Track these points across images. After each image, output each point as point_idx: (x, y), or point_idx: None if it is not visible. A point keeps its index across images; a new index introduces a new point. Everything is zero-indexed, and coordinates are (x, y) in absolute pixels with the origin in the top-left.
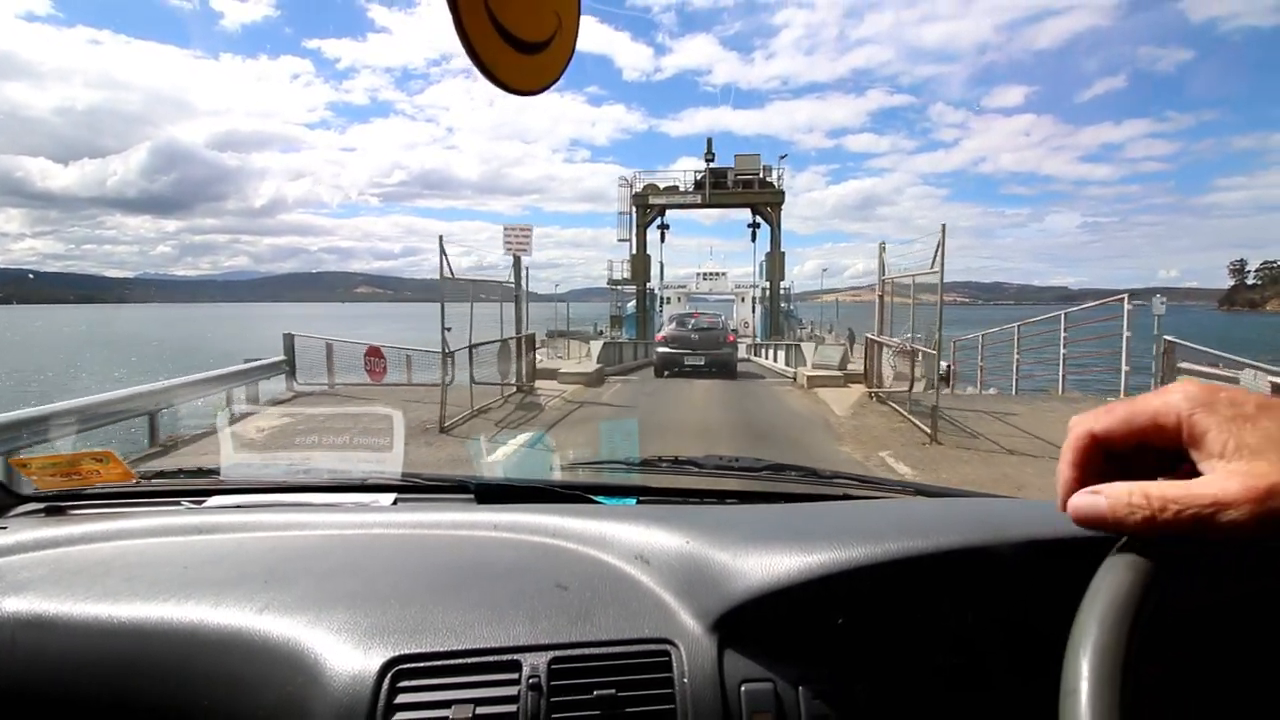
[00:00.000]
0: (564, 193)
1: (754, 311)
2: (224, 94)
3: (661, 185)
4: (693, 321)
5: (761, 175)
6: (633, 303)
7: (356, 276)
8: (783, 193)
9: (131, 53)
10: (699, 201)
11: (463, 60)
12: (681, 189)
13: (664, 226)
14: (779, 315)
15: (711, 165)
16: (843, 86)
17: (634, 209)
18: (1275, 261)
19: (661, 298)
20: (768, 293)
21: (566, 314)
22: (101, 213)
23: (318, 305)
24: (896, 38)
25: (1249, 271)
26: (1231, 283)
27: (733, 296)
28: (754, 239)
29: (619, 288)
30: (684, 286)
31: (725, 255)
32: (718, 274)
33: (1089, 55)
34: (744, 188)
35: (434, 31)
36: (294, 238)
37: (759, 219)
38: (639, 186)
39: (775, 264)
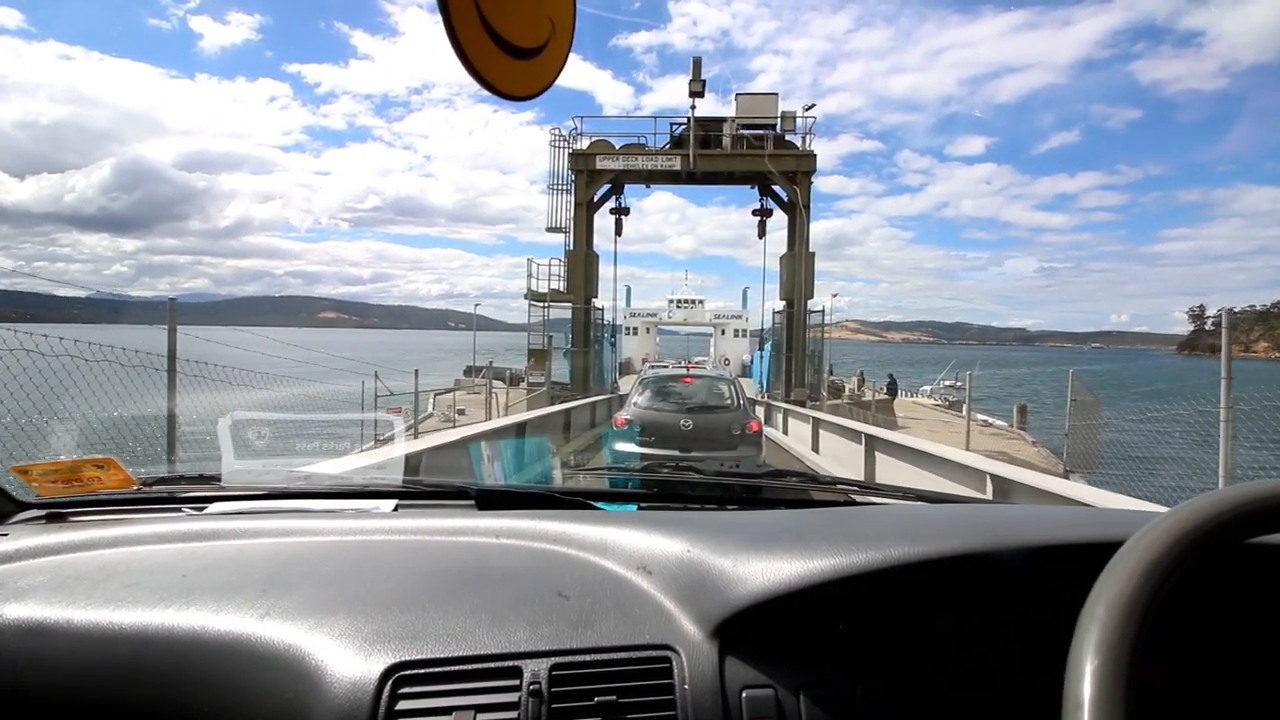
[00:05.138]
0: (539, 223)
1: (759, 350)
2: (197, 114)
3: (619, 145)
4: (682, 391)
5: (780, 128)
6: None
7: (322, 301)
8: (813, 155)
9: (103, 69)
10: (677, 169)
11: (444, 90)
12: (650, 150)
13: (621, 210)
14: (803, 356)
15: (699, 114)
16: (815, 129)
17: (574, 177)
18: (1233, 307)
19: (616, 326)
20: (779, 320)
21: (473, 344)
22: (56, 229)
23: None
24: (866, 87)
25: (1207, 318)
26: (1190, 328)
27: (711, 328)
28: (762, 233)
29: (545, 305)
30: (654, 315)
31: (698, 291)
32: (694, 301)
33: (1045, 110)
34: (749, 146)
35: (417, 61)
36: (259, 260)
37: (771, 201)
38: (584, 143)
39: (800, 269)
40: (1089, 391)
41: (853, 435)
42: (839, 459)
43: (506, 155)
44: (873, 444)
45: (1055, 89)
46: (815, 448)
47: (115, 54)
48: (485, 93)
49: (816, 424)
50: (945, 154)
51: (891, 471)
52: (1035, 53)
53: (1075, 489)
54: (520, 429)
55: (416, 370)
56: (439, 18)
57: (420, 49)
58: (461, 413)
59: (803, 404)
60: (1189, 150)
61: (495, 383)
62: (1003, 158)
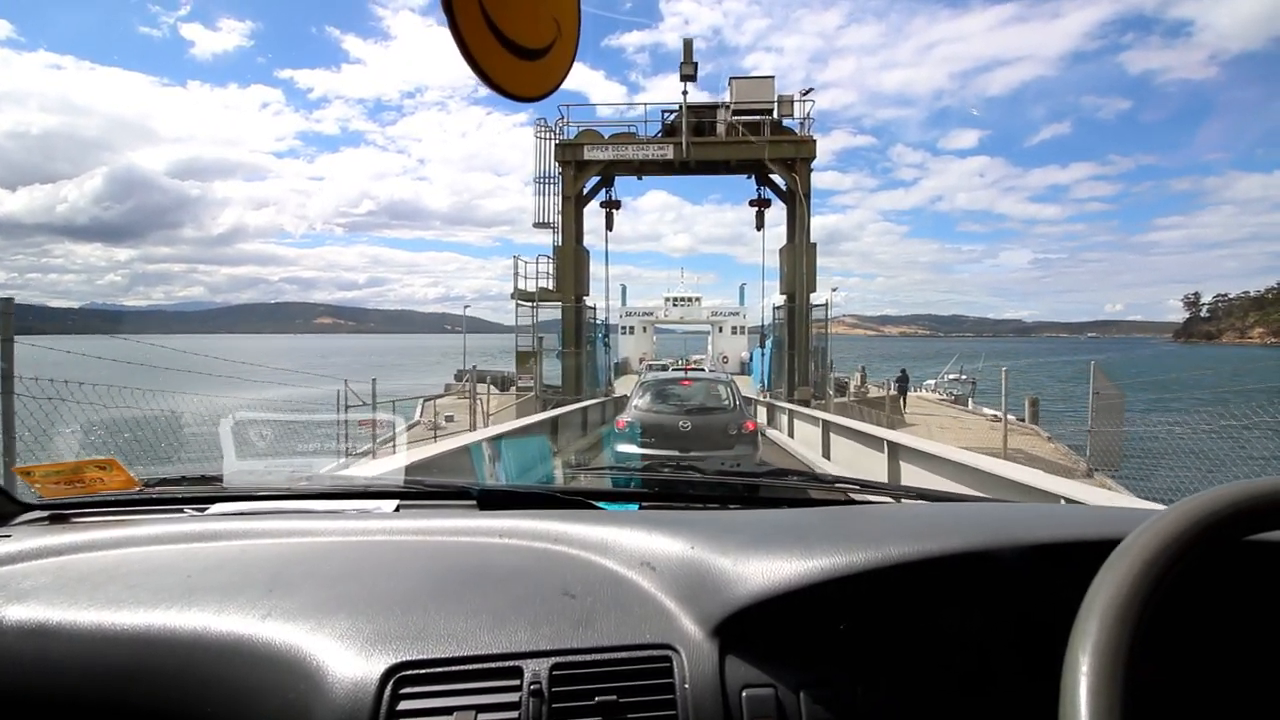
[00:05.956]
0: (535, 221)
1: (760, 347)
2: (189, 121)
3: (608, 134)
4: (680, 393)
5: (777, 113)
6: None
7: (318, 307)
8: (813, 141)
9: (94, 78)
10: (670, 158)
11: (437, 92)
12: (640, 138)
13: (611, 204)
14: (806, 352)
15: (690, 101)
16: (808, 126)
17: (560, 168)
18: (1228, 294)
19: (609, 326)
20: (779, 315)
21: (464, 346)
22: (49, 240)
23: (275, 338)
24: (859, 82)
25: (1202, 305)
26: (1185, 315)
27: (708, 326)
28: (760, 224)
29: (534, 304)
30: (650, 314)
31: (695, 289)
32: (690, 299)
33: (1037, 102)
34: (744, 134)
35: (409, 64)
36: (254, 268)
37: (769, 191)
38: (572, 133)
39: (801, 261)
40: (1112, 384)
41: (871, 442)
42: (856, 469)
43: (500, 157)
44: (897, 453)
45: (1046, 81)
46: (826, 454)
47: (106, 62)
48: (479, 94)
49: (827, 427)
50: (938, 148)
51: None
52: (1025, 45)
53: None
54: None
55: (374, 380)
56: (438, 20)
57: (412, 52)
58: (450, 419)
59: (807, 403)
60: (1180, 139)
61: (484, 387)
62: (995, 150)
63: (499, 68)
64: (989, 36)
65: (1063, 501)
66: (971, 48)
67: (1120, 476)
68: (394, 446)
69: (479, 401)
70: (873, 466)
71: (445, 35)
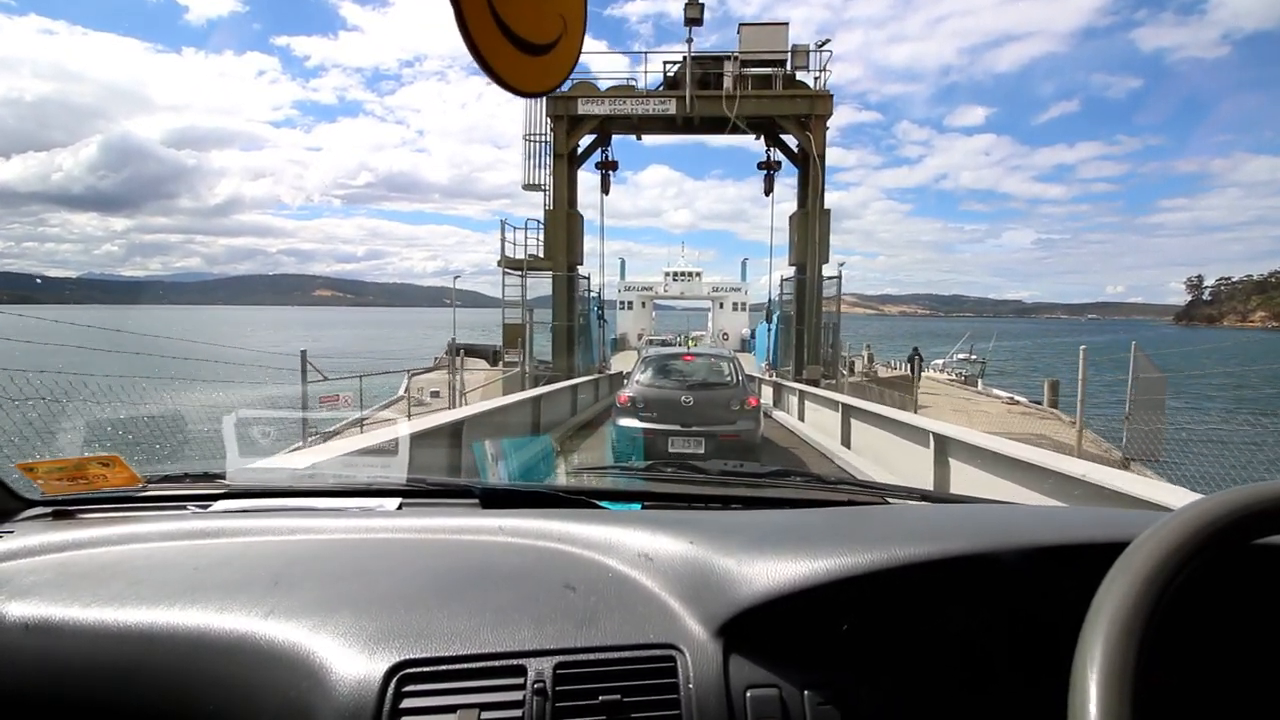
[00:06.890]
0: (535, 198)
1: (768, 322)
2: (184, 89)
3: (605, 87)
4: (682, 368)
5: (790, 66)
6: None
7: (316, 279)
8: (829, 97)
9: (87, 44)
10: (672, 114)
11: (437, 62)
12: (640, 91)
13: (608, 164)
14: (817, 328)
15: (696, 52)
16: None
17: (552, 124)
18: (1231, 277)
19: (606, 301)
20: (787, 288)
21: (453, 319)
22: (45, 209)
23: (273, 309)
24: (865, 56)
25: (1205, 288)
26: (1188, 298)
27: (708, 302)
28: (769, 189)
29: (524, 272)
30: (650, 289)
31: (695, 264)
32: (691, 274)
33: (1046, 80)
34: (755, 88)
35: (408, 32)
36: (251, 239)
37: (778, 152)
38: (565, 86)
39: (814, 228)
40: (1155, 368)
41: (904, 430)
42: (884, 461)
43: (500, 129)
44: (945, 447)
45: (1056, 58)
46: (846, 442)
47: (98, 28)
48: (478, 66)
49: (847, 412)
50: (944, 125)
51: (988, 492)
52: (1036, 20)
53: None
54: (456, 430)
55: (304, 351)
56: (451, 12)
57: (411, 20)
58: (436, 394)
59: (816, 383)
60: (1189, 120)
61: (479, 361)
62: (1002, 128)
63: (505, 63)
64: (1000, 10)
65: None
66: (981, 21)
67: (1157, 468)
68: (361, 428)
69: (461, 379)
70: (905, 460)
71: (445, 4)
